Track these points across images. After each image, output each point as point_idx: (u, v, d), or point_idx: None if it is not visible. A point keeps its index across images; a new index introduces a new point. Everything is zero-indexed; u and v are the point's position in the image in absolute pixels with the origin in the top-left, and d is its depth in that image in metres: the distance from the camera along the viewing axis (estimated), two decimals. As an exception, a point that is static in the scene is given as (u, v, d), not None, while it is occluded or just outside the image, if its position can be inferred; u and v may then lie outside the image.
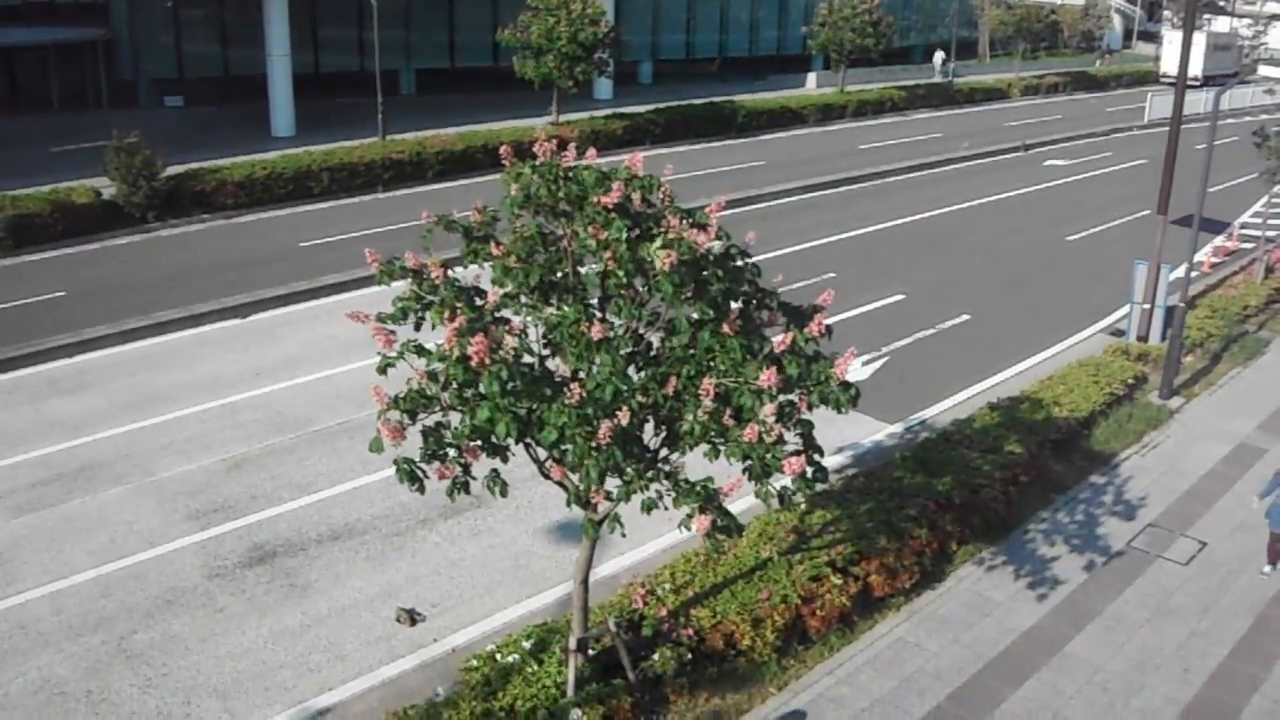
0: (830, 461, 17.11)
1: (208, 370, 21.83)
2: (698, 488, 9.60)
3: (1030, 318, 26.57)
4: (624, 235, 9.77)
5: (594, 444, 9.48)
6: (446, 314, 9.88)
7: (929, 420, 20.47)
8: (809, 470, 9.84)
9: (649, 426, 10.25)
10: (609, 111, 46.85)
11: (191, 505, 16.67)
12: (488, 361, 9.35)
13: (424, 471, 9.80)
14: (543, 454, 10.30)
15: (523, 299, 10.19)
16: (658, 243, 9.72)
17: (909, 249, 32.46)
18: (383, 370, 9.73)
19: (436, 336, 9.87)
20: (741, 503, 14.91)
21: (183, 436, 18.89)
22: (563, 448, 9.76)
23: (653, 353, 10.46)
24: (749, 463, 9.61)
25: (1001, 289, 28.87)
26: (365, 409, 19.28)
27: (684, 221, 9.95)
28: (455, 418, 9.87)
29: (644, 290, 10.10)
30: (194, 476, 17.53)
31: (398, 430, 9.35)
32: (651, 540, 15.60)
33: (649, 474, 9.82)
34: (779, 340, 10.09)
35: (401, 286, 10.31)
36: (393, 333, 9.67)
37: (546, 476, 10.48)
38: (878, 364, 23.06)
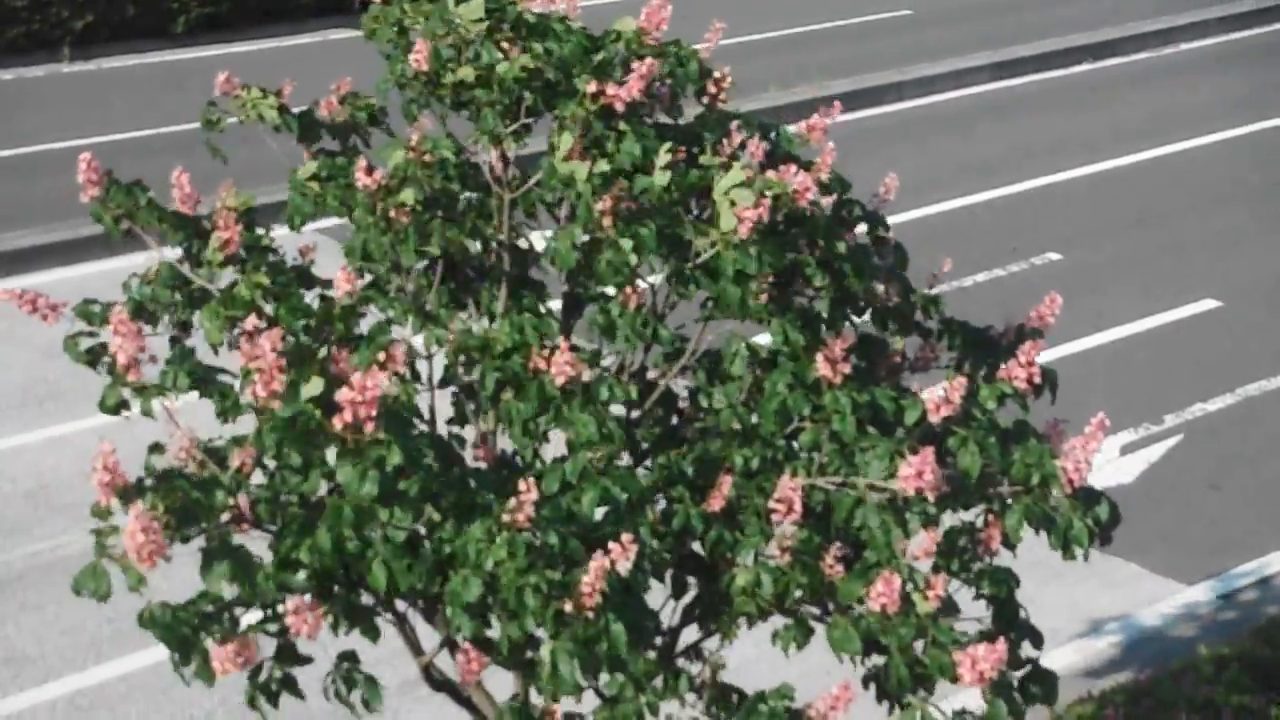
0: (1057, 660, 8.83)
1: None
2: (760, 709, 4.71)
3: None
4: (639, 161, 4.88)
5: (561, 610, 4.40)
6: (243, 320, 4.78)
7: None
8: (1012, 678, 4.74)
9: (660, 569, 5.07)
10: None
11: None
12: (368, 425, 4.26)
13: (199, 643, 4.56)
14: (447, 628, 5.02)
15: (402, 295, 5.07)
16: (731, 178, 4.76)
17: (1225, 202, 16.78)
18: (115, 410, 4.71)
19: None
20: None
21: None
22: (491, 615, 4.53)
23: (674, 420, 5.28)
24: (878, 660, 4.70)
25: None
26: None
27: (766, 144, 5.07)
28: (262, 543, 4.65)
29: (673, 286, 5.02)
30: None
31: (157, 539, 4.20)
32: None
33: (661, 681, 4.76)
34: (939, 396, 4.89)
35: (142, 263, 5.12)
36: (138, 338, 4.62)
37: (441, 686, 5.23)
38: (1157, 449, 12.10)
